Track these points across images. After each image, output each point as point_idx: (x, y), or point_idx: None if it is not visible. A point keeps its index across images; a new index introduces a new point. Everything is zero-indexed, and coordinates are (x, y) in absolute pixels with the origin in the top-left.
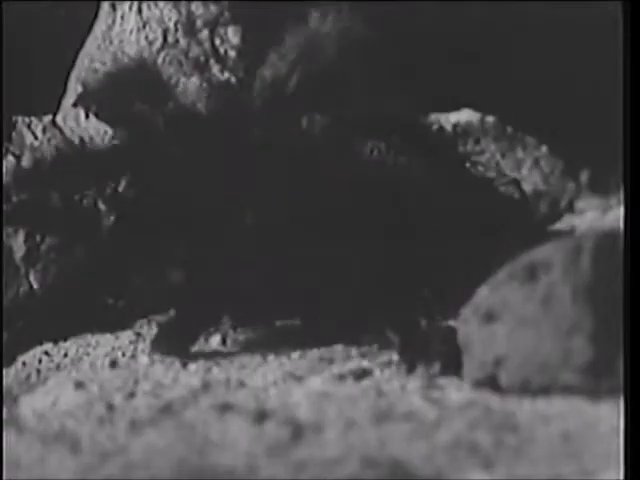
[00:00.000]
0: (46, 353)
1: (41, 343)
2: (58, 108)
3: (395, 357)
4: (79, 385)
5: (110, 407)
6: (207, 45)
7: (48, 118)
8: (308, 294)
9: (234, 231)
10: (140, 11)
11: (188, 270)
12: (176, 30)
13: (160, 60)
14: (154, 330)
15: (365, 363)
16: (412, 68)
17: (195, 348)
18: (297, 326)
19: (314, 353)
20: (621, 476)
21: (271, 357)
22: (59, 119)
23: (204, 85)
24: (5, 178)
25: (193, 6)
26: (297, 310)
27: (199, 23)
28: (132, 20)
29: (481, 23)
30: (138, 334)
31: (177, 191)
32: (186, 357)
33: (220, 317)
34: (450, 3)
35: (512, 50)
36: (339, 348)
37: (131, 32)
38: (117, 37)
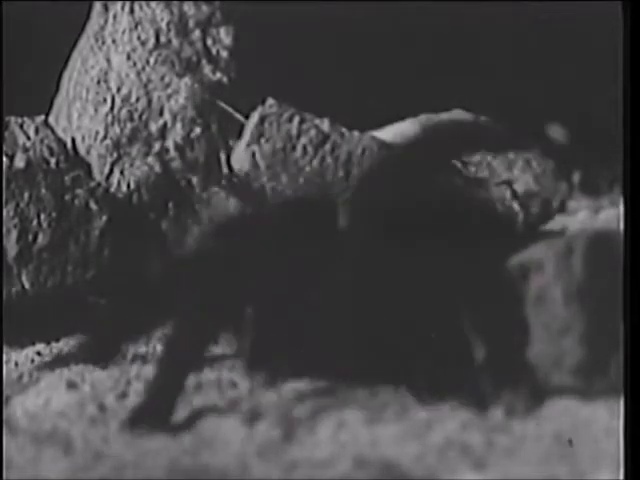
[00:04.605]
0: (38, 353)
1: (33, 343)
2: (50, 108)
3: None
4: (71, 385)
5: (102, 407)
6: (199, 45)
7: (40, 118)
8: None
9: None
10: (132, 11)
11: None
12: (168, 30)
13: (152, 60)
14: None
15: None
16: (405, 68)
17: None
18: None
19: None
20: (621, 476)
21: None
22: (51, 119)
23: (196, 86)
24: None
25: (185, 6)
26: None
27: (191, 23)
28: (124, 20)
29: (474, 23)
30: None
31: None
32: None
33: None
34: (444, 3)
35: (504, 51)
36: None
37: (123, 32)
38: (109, 37)
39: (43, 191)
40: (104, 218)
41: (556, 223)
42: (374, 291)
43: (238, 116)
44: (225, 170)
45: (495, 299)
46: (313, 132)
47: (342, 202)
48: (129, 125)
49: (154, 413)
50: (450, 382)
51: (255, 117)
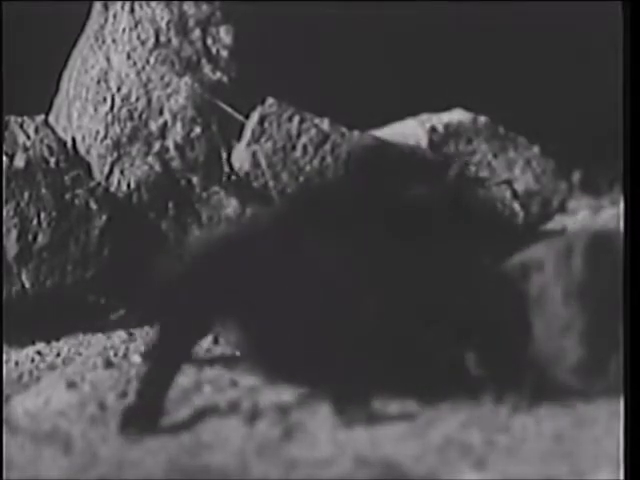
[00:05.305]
0: (38, 353)
1: (33, 342)
2: (50, 108)
3: None
4: (71, 385)
5: (102, 407)
6: (199, 45)
7: (40, 118)
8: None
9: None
10: (132, 10)
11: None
12: (168, 29)
13: (152, 60)
14: (146, 330)
15: None
16: (405, 68)
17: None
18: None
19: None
20: (621, 476)
21: None
22: (51, 119)
23: (196, 85)
24: None
25: (185, 6)
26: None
27: (191, 22)
28: (124, 19)
29: (474, 23)
30: (130, 334)
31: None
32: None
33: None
34: (444, 3)
35: (505, 50)
36: None
37: (123, 31)
38: (109, 36)
39: (43, 190)
40: (104, 217)
41: (556, 222)
42: (374, 291)
43: (238, 116)
44: (225, 170)
45: (495, 298)
46: (313, 131)
47: (342, 201)
48: (129, 124)
49: (143, 415)
50: (450, 382)
51: (255, 117)
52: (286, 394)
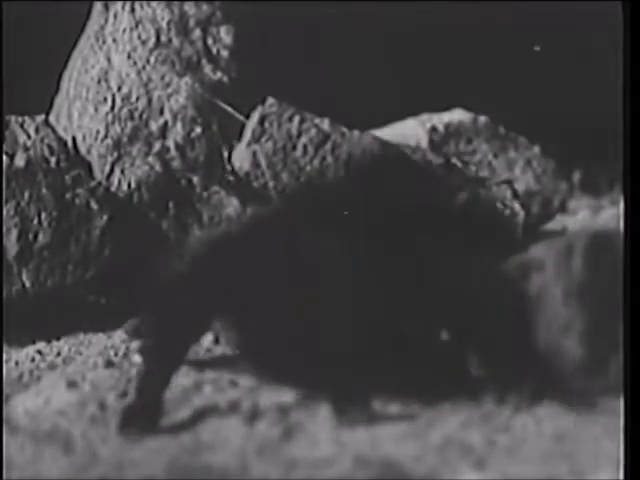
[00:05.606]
0: (39, 352)
1: (34, 342)
2: (51, 107)
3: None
4: (72, 384)
5: (102, 406)
6: (199, 45)
7: (41, 117)
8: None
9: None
10: (133, 10)
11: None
12: (169, 29)
13: (153, 59)
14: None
15: None
16: (405, 68)
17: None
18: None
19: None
20: (621, 476)
21: None
22: (52, 118)
23: (196, 85)
24: None
25: (186, 6)
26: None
27: (192, 23)
28: (125, 19)
29: (474, 23)
30: None
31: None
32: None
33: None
34: (444, 3)
35: (505, 50)
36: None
37: (124, 31)
38: (110, 36)
39: (43, 190)
40: (105, 217)
41: (556, 223)
42: (374, 291)
43: (238, 116)
44: (226, 169)
45: (495, 298)
46: (313, 131)
47: (342, 201)
48: (129, 124)
49: (143, 415)
50: (451, 382)
51: (255, 116)
52: (286, 394)
